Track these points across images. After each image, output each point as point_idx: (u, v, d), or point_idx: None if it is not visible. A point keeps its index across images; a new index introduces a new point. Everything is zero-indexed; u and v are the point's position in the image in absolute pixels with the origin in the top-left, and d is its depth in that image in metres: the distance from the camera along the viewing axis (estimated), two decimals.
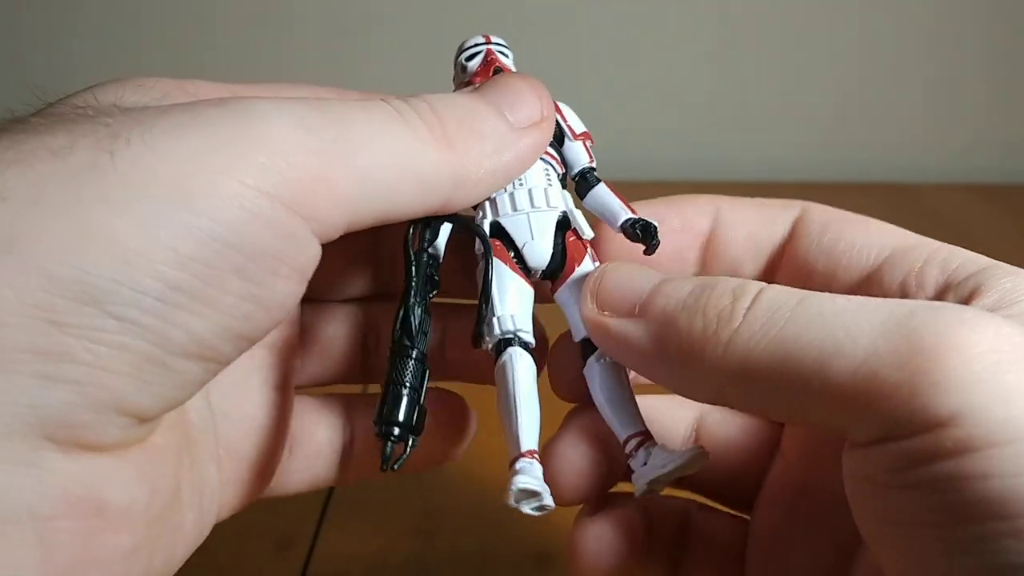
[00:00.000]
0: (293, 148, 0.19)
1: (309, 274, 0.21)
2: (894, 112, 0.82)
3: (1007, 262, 0.22)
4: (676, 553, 0.28)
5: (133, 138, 0.18)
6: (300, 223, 0.19)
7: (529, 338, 0.24)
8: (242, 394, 0.26)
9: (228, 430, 0.25)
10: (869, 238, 0.24)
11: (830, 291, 0.22)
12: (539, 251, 0.25)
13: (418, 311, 0.23)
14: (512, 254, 0.25)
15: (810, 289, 0.22)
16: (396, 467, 0.22)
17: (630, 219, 0.25)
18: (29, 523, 0.17)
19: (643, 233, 0.25)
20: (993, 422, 0.17)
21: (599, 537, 0.25)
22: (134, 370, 0.18)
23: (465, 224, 0.25)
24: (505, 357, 0.24)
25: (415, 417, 0.23)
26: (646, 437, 0.24)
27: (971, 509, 0.17)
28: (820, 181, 0.79)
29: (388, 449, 0.22)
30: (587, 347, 0.25)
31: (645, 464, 0.23)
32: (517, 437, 0.23)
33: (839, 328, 0.19)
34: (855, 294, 0.23)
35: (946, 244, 0.24)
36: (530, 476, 0.22)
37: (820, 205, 0.26)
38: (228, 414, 0.25)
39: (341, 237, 0.21)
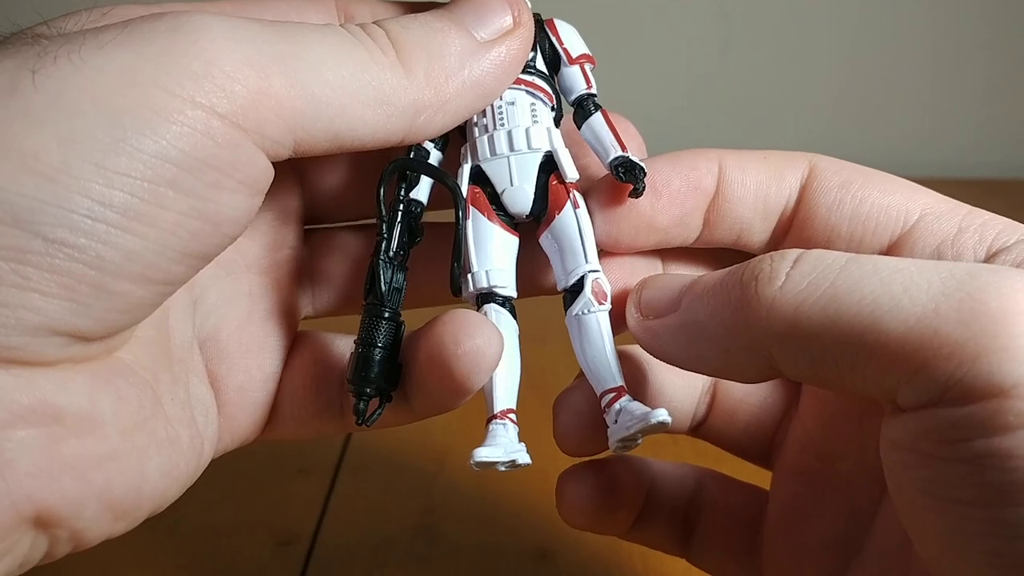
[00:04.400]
0: (232, 59, 0.19)
1: (261, 187, 0.20)
2: (896, 107, 0.82)
3: None
4: (689, 519, 0.28)
5: (61, 56, 0.18)
6: (241, 135, 0.19)
7: (508, 292, 0.24)
8: (229, 321, 0.25)
9: (216, 356, 0.24)
10: (895, 199, 0.23)
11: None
12: (520, 197, 0.24)
13: (388, 271, 0.23)
14: (494, 204, 0.24)
15: None
16: (369, 423, 0.23)
17: (616, 158, 0.24)
18: None
19: (626, 175, 0.23)
20: None
21: (577, 484, 0.25)
22: (67, 292, 0.17)
23: (438, 176, 0.24)
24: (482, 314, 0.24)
25: (387, 375, 0.23)
26: (620, 393, 0.23)
27: None
28: None
29: (361, 406, 0.23)
30: (570, 298, 0.24)
31: (616, 422, 0.23)
32: (491, 397, 0.23)
33: (896, 283, 0.18)
34: None
35: (977, 209, 0.22)
36: (493, 446, 0.23)
37: (830, 159, 0.24)
38: (214, 340, 0.24)
39: (348, 157, 0.21)
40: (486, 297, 0.24)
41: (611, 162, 0.24)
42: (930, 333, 0.17)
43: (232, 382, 0.24)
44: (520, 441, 0.23)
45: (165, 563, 0.36)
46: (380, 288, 0.23)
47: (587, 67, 0.25)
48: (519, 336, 0.24)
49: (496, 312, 0.24)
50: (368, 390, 0.23)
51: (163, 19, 0.19)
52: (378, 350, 0.23)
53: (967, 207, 0.22)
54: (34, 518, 0.18)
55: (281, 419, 0.26)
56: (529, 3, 0.24)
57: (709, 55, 0.80)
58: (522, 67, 0.24)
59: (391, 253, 0.23)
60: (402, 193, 0.24)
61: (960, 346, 0.17)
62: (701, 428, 0.28)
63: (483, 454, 0.22)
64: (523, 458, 0.23)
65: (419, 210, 0.24)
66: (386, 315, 0.23)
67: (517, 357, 0.24)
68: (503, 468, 0.23)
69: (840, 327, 0.18)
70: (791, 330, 0.19)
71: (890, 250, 0.23)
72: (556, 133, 0.25)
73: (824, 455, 0.26)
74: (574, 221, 0.24)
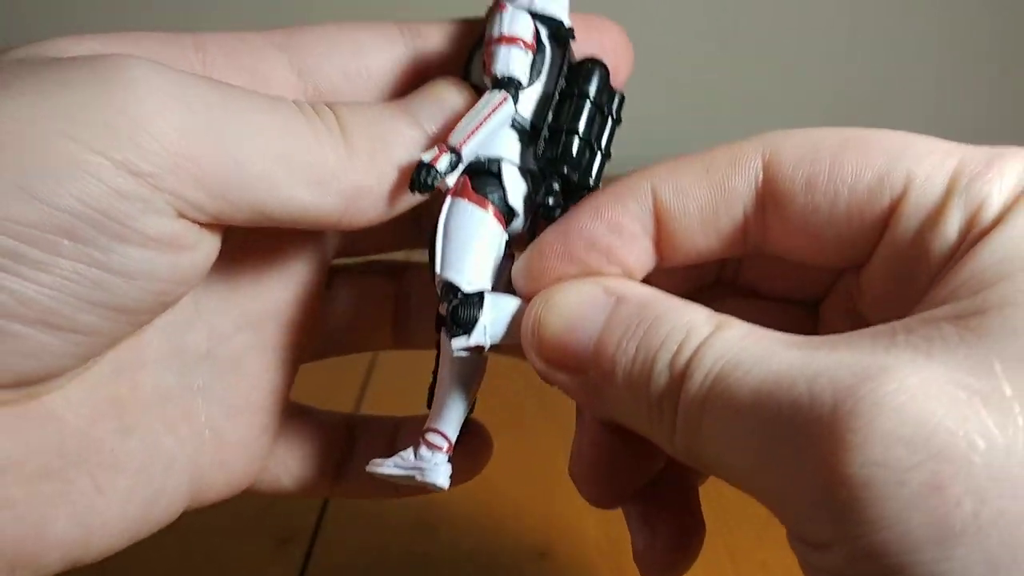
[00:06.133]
0: (158, 118, 0.18)
1: (180, 244, 0.20)
2: (894, 106, 0.82)
3: None
4: None
5: None
6: (153, 193, 0.18)
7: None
8: (244, 376, 0.24)
9: (224, 411, 0.24)
10: (873, 175, 0.19)
11: (836, 256, 0.20)
12: None
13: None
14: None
15: (812, 255, 0.21)
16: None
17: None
18: None
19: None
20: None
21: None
22: None
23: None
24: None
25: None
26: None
27: None
28: None
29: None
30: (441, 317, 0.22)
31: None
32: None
33: (746, 417, 0.17)
34: (867, 254, 0.20)
35: (970, 155, 0.19)
36: (392, 461, 0.22)
37: (789, 138, 0.21)
38: (224, 395, 0.24)
39: None
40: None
41: None
42: (774, 485, 0.17)
43: (235, 437, 0.24)
44: (436, 461, 0.22)
45: (163, 561, 0.36)
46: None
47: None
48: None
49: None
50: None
51: (95, 65, 0.19)
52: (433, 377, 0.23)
53: (957, 155, 0.19)
54: None
55: (275, 472, 0.26)
56: None
57: (707, 51, 0.80)
58: None
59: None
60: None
61: (798, 498, 0.16)
62: None
63: (377, 466, 0.22)
64: (421, 476, 0.22)
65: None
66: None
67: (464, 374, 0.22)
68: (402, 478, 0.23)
69: (718, 453, 0.18)
70: (682, 437, 0.18)
71: (874, 241, 0.20)
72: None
73: None
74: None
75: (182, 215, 0.19)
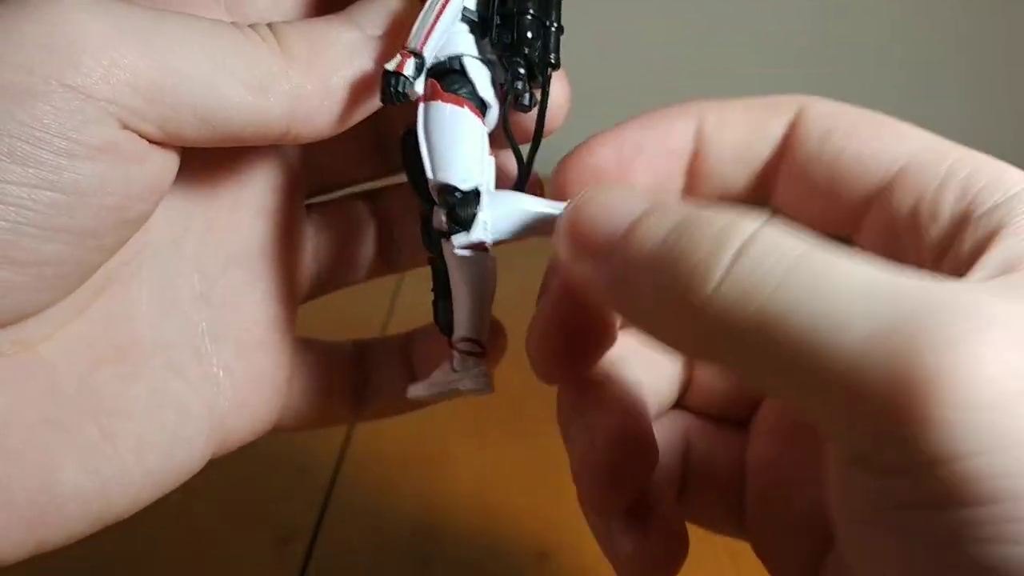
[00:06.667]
0: (82, 33, 0.18)
1: (125, 155, 0.19)
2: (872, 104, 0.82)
3: None
4: (680, 479, 0.26)
5: None
6: (85, 101, 0.18)
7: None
8: (242, 313, 0.24)
9: (234, 350, 0.24)
10: (880, 146, 0.21)
11: (831, 215, 0.21)
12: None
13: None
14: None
15: (809, 212, 0.22)
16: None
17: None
18: None
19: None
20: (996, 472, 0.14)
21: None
22: None
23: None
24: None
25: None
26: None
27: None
28: None
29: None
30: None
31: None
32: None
33: (839, 310, 0.15)
34: (858, 220, 0.21)
35: (973, 153, 0.20)
36: (425, 383, 0.22)
37: (823, 102, 0.22)
38: (228, 334, 0.24)
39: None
40: None
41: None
42: (855, 387, 0.15)
43: (249, 374, 0.24)
44: (474, 368, 0.22)
45: (164, 561, 0.36)
46: (426, 235, 0.23)
47: None
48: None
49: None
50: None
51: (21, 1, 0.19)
52: (435, 297, 0.23)
53: (958, 152, 0.20)
54: None
55: (296, 406, 0.26)
56: None
57: (688, 55, 0.81)
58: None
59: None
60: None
61: (881, 409, 0.15)
62: (683, 401, 0.27)
63: (417, 389, 0.23)
64: (462, 385, 0.22)
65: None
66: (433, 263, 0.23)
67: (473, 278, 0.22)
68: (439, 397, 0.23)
69: (776, 357, 0.16)
70: (722, 341, 0.17)
71: (866, 205, 0.21)
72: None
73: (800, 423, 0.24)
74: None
75: (125, 125, 0.19)
